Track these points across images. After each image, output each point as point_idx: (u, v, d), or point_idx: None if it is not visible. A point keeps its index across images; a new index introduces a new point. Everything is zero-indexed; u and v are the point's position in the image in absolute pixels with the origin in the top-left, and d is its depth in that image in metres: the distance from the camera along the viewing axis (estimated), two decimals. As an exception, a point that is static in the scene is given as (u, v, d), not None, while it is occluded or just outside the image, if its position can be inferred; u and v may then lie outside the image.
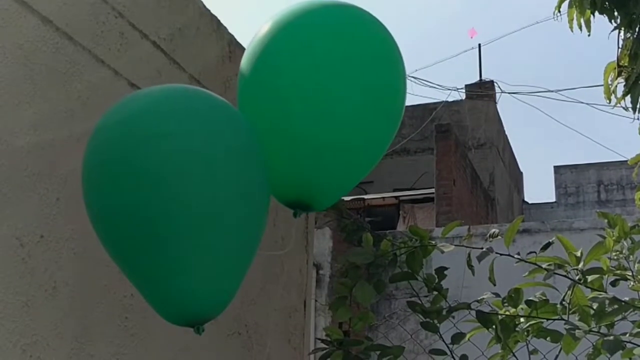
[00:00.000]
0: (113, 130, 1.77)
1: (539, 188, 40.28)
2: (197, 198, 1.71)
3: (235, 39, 2.89)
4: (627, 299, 2.52)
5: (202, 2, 2.71)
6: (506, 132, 15.68)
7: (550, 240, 2.62)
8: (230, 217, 1.77)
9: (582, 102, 15.93)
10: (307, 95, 1.79)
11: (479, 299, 2.71)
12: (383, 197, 12.68)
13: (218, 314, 1.86)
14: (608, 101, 3.30)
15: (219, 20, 2.79)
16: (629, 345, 2.46)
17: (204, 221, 1.74)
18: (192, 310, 1.80)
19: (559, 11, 3.40)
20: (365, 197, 12.35)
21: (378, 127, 1.91)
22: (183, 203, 1.70)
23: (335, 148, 1.82)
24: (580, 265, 2.55)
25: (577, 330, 2.38)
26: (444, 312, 2.72)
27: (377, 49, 1.90)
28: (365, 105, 1.84)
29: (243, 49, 2.93)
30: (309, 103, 1.79)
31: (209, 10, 2.74)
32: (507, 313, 2.64)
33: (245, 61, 1.91)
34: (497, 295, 2.69)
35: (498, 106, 14.82)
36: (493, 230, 2.72)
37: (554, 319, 2.59)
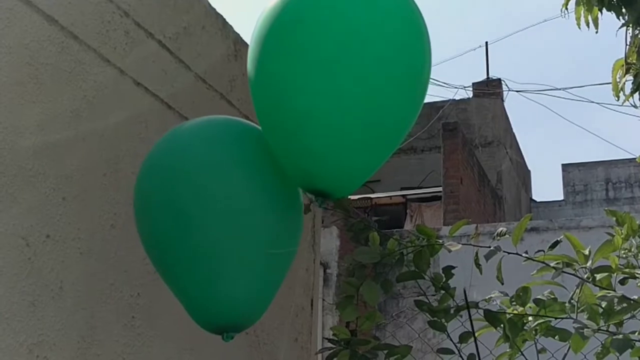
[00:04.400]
0: (161, 162, 1.93)
1: (546, 186, 40.28)
2: (231, 223, 1.84)
3: (241, 38, 2.88)
4: (635, 297, 2.50)
5: (207, 0, 2.70)
6: (514, 130, 15.67)
7: (559, 239, 2.61)
8: (266, 232, 1.87)
9: (590, 100, 15.89)
10: (321, 78, 1.70)
11: (486, 297, 2.70)
12: (390, 196, 12.68)
13: (252, 324, 1.91)
14: (616, 98, 3.28)
15: (224, 19, 2.79)
16: (637, 344, 2.45)
17: (240, 238, 1.84)
18: (229, 319, 1.86)
19: (567, 9, 3.38)
20: (372, 196, 12.35)
21: (398, 109, 1.79)
22: (219, 225, 1.83)
23: (351, 130, 1.72)
24: (589, 264, 2.54)
25: (585, 329, 2.37)
26: (452, 311, 2.71)
27: (399, 19, 1.78)
28: (385, 84, 1.72)
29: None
30: (324, 84, 1.70)
31: (215, 9, 2.73)
32: (515, 312, 2.62)
33: (253, 46, 1.82)
34: (505, 294, 2.67)
35: (505, 104, 14.83)
36: (501, 229, 2.70)
37: (563, 318, 2.57)
